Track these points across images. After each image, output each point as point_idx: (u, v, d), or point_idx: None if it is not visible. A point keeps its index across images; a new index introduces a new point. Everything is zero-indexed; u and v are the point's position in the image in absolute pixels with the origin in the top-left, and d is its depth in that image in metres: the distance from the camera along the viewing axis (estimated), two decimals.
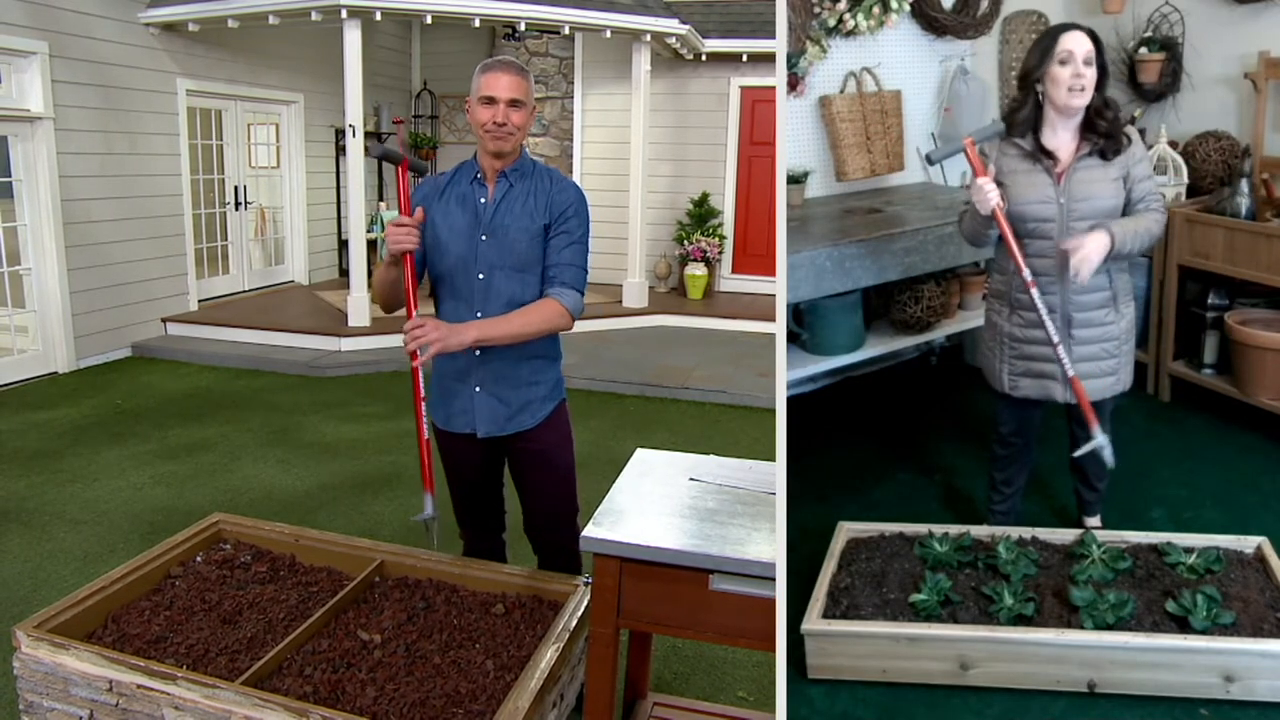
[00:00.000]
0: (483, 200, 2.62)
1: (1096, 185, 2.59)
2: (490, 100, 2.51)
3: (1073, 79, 2.50)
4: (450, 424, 2.75)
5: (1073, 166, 2.60)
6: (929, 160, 2.83)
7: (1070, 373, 2.62)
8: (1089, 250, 2.49)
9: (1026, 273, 2.60)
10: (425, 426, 2.75)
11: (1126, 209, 2.64)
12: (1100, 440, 2.64)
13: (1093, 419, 2.63)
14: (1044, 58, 2.55)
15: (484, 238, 2.60)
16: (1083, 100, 2.53)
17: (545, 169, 2.71)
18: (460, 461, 2.82)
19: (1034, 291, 2.59)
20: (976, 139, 2.64)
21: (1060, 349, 2.61)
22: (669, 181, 10.22)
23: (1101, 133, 2.58)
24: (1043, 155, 2.62)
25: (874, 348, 3.89)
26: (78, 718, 2.37)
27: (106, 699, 2.33)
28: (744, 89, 10.02)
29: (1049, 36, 2.57)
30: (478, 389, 2.69)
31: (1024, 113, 2.62)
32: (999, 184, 2.60)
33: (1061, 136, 2.62)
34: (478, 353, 2.65)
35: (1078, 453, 2.72)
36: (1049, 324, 2.60)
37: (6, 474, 4.90)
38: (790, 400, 1.95)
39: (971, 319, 3.97)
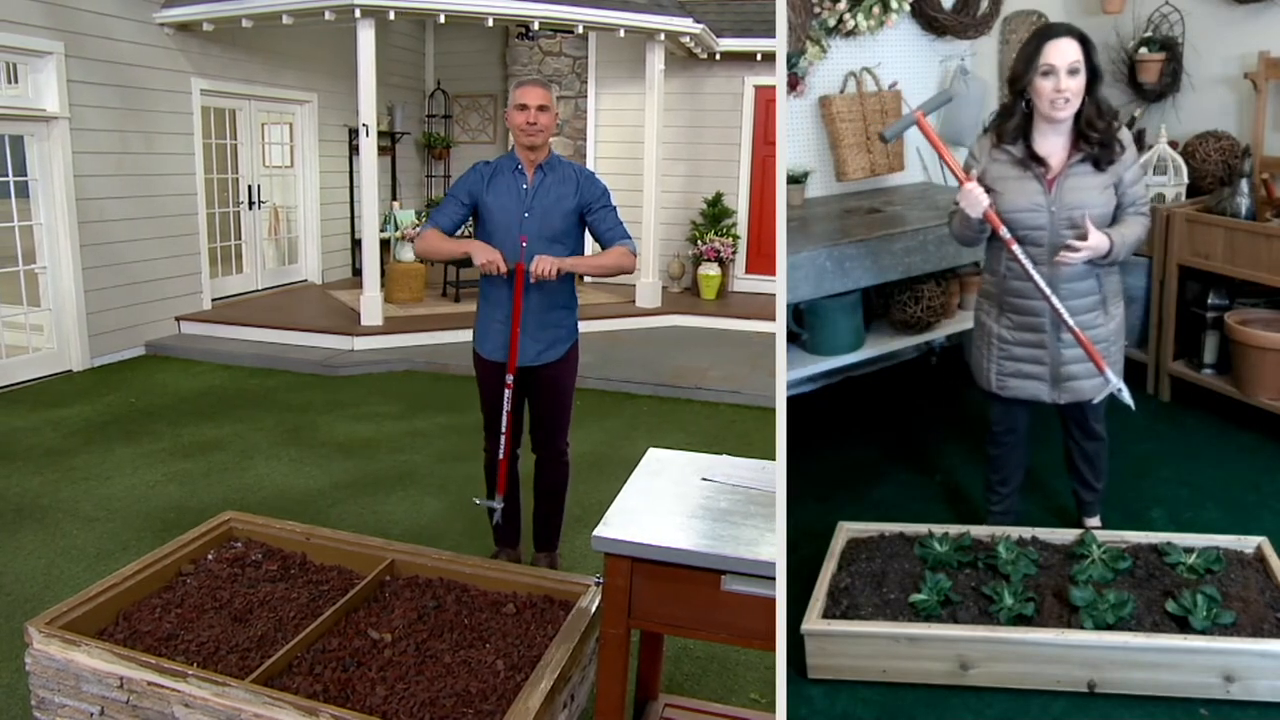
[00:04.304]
0: (524, 186, 3.38)
1: (1087, 193, 2.57)
2: (524, 107, 3.32)
3: (1054, 93, 2.46)
4: (491, 354, 3.48)
5: (1064, 173, 2.57)
6: (882, 138, 2.90)
7: (1069, 321, 2.61)
8: (1089, 244, 2.50)
9: (1023, 258, 2.59)
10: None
11: (1116, 214, 2.62)
12: (1116, 383, 2.67)
13: (1101, 364, 2.65)
14: (1028, 66, 2.50)
15: (526, 215, 3.35)
16: (1068, 112, 2.50)
17: (570, 164, 3.48)
18: (494, 383, 3.51)
19: (1025, 260, 2.59)
20: (925, 110, 2.64)
21: (1054, 299, 2.60)
22: (683, 181, 10.16)
23: (1094, 142, 2.53)
24: (1033, 162, 2.59)
25: (874, 348, 3.89)
26: (89, 714, 2.40)
27: (117, 695, 2.36)
28: (758, 88, 9.90)
29: (1033, 42, 2.50)
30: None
31: (1014, 121, 2.59)
32: (988, 189, 2.59)
33: (1053, 142, 2.58)
34: None
35: (1097, 398, 2.72)
36: (1040, 283, 2.60)
37: (20, 471, 4.95)
38: (790, 400, 1.97)
39: (971, 319, 3.97)
